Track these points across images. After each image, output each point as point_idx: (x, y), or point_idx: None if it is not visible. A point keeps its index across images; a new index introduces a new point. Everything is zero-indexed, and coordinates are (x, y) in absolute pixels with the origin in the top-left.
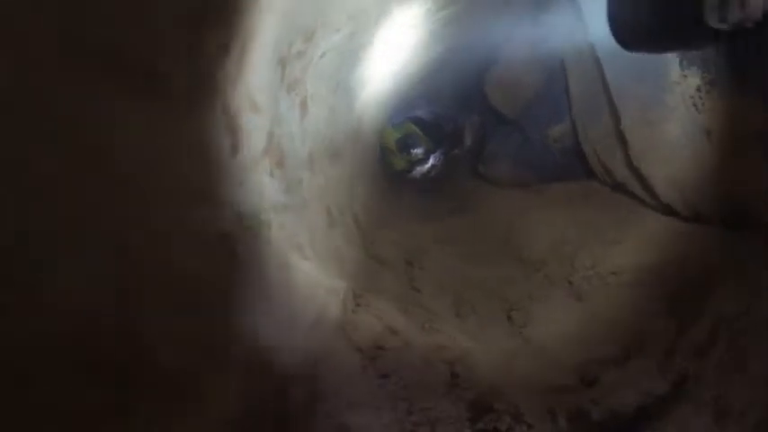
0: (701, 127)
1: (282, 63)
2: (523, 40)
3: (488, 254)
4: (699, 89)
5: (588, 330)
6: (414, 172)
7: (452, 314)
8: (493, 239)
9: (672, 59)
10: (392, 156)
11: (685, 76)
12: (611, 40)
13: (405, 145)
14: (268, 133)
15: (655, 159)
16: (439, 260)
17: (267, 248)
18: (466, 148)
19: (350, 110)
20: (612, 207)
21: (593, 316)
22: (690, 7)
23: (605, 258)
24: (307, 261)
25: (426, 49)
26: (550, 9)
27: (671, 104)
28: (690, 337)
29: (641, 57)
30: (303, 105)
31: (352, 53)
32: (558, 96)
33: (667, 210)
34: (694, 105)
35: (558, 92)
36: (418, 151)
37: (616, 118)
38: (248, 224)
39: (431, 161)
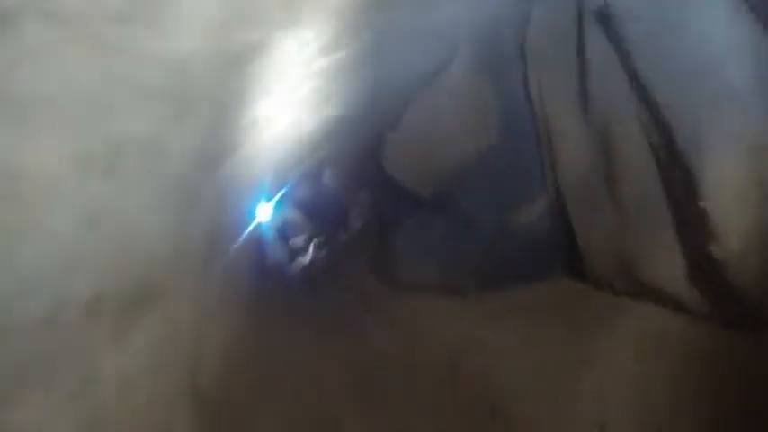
0: None
1: None
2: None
3: (435, 415)
4: None
5: None
6: (294, 263)
7: None
8: (435, 383)
9: None
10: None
11: None
12: None
13: (282, 234)
14: None
15: None
16: None
17: None
18: (355, 235)
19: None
20: (598, 310)
21: None
22: None
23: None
24: None
25: (309, 109)
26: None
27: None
28: None
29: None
30: None
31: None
32: (528, 162)
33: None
34: None
35: (526, 154)
36: (298, 240)
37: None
38: None
39: (313, 251)
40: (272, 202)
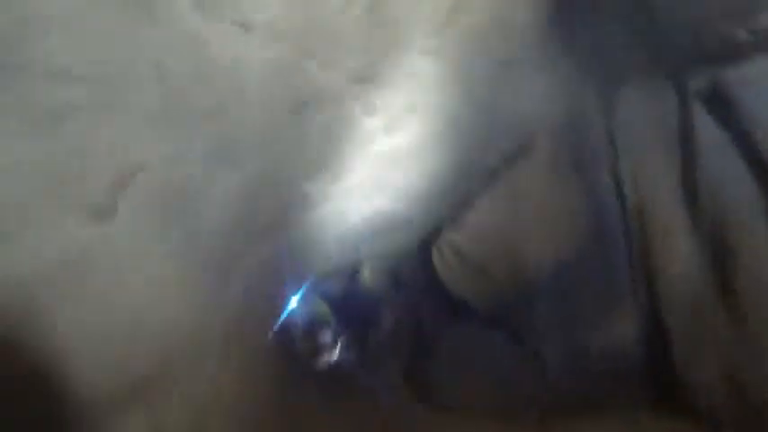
0: None
1: None
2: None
3: None
4: None
5: None
6: (320, 361)
7: None
8: None
9: None
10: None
11: None
12: None
13: (308, 327)
14: None
15: None
16: None
17: None
18: (386, 338)
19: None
20: None
21: None
22: None
23: None
24: None
25: (361, 196)
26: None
27: None
28: None
29: None
30: None
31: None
32: (614, 272)
33: None
34: None
35: (612, 263)
36: (325, 335)
37: None
38: None
39: (339, 351)
40: (301, 292)
